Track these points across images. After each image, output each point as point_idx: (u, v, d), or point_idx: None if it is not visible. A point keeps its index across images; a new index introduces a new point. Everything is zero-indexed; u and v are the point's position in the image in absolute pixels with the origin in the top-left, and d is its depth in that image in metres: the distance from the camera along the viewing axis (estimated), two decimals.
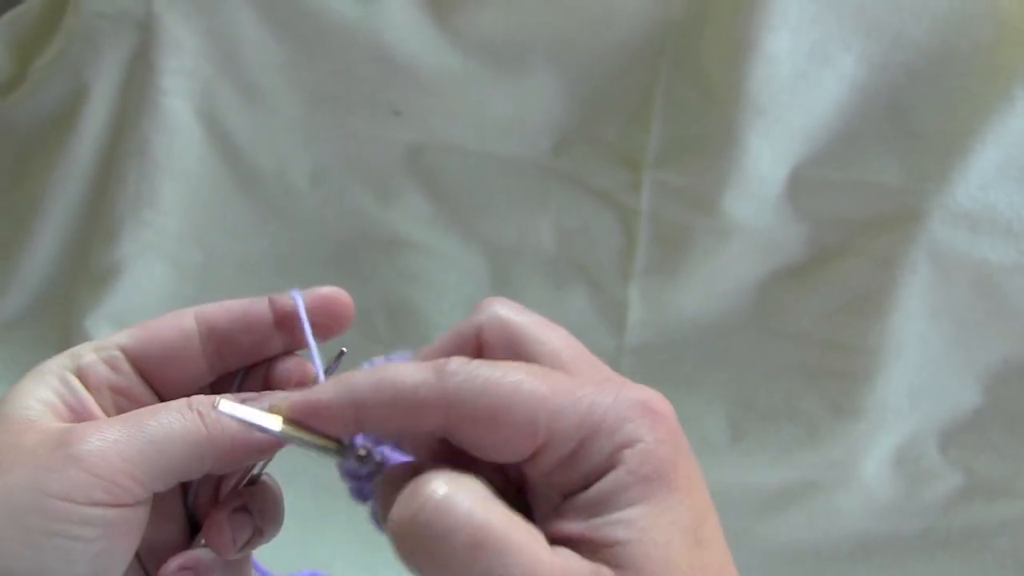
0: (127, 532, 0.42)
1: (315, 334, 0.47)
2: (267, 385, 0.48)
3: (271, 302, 0.47)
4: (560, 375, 0.39)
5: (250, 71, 1.09)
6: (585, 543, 0.36)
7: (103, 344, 0.46)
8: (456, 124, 1.07)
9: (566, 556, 0.36)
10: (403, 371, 0.38)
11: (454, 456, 0.40)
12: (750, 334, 1.02)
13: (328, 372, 0.47)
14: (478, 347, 0.42)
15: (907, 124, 0.95)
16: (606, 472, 0.37)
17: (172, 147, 1.09)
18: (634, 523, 0.36)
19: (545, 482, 0.39)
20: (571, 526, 0.37)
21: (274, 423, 0.41)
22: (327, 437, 0.41)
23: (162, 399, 0.46)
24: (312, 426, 0.41)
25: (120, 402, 0.46)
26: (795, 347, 1.00)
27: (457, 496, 0.36)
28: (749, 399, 1.01)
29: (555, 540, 0.37)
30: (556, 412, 0.37)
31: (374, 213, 1.10)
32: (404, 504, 0.37)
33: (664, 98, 1.02)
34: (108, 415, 0.45)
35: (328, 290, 0.48)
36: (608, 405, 0.38)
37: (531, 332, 0.41)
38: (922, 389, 0.98)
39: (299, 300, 0.47)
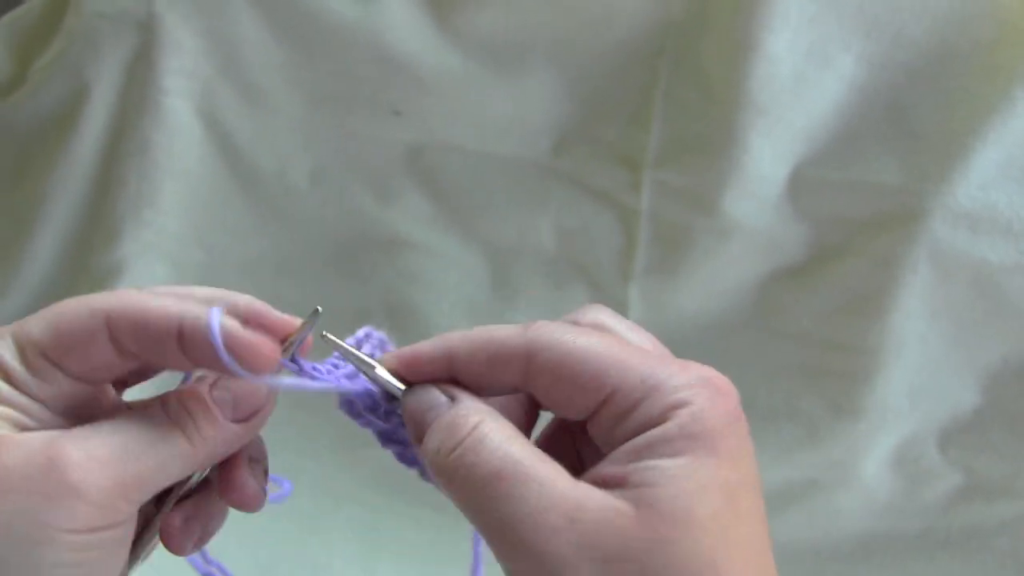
0: (123, 544, 0.43)
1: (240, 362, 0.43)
2: None
3: (179, 329, 0.42)
4: (634, 347, 0.43)
5: (250, 71, 1.09)
6: (618, 482, 0.39)
7: (23, 351, 0.43)
8: (456, 124, 1.07)
9: (587, 490, 0.39)
10: (494, 327, 0.43)
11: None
12: (750, 334, 1.02)
13: (304, 329, 0.46)
14: None
15: (907, 124, 0.95)
16: (656, 425, 0.39)
17: (173, 147, 1.10)
18: (667, 471, 0.38)
19: (604, 438, 0.41)
20: (610, 468, 0.40)
21: (373, 368, 0.46)
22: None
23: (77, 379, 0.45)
24: (410, 374, 0.45)
25: (63, 399, 0.44)
26: (795, 347, 1.00)
27: (488, 428, 0.40)
28: (749, 399, 1.00)
29: (595, 483, 0.39)
30: (623, 369, 0.40)
31: (374, 213, 1.10)
32: (441, 433, 0.41)
33: (664, 98, 1.02)
34: (58, 412, 0.44)
35: (255, 338, 0.43)
36: (672, 372, 0.41)
37: (620, 325, 0.45)
38: (922, 389, 0.98)
39: (215, 327, 0.42)
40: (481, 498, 0.39)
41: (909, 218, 0.94)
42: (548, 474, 0.39)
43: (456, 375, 0.44)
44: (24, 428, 0.42)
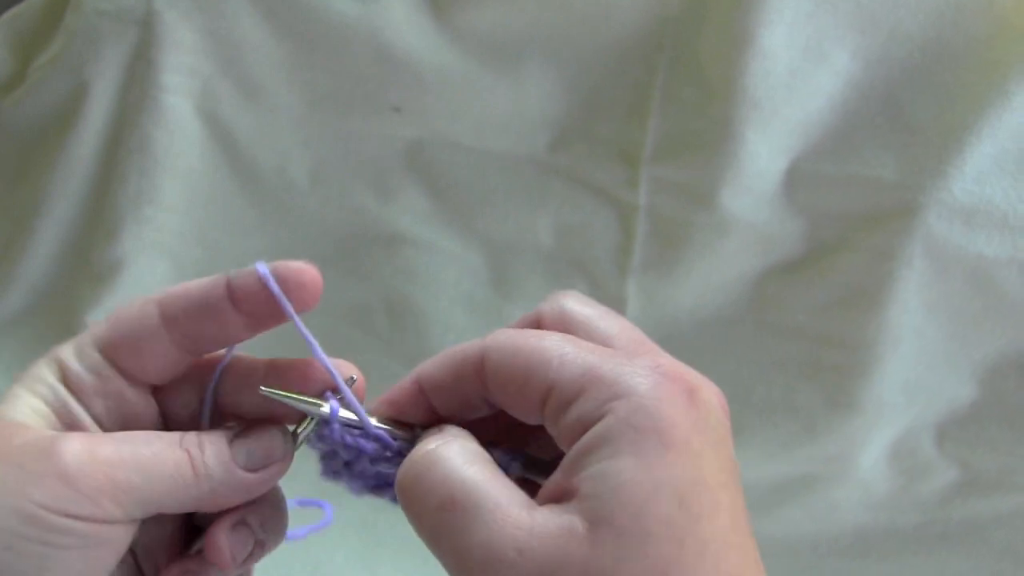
0: (104, 547, 0.42)
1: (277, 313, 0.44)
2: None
3: (228, 284, 0.44)
4: (592, 345, 0.41)
5: (250, 69, 1.09)
6: (569, 494, 0.37)
7: (82, 348, 0.45)
8: (455, 121, 1.07)
9: (543, 514, 0.37)
10: (460, 345, 0.44)
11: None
12: (747, 328, 1.02)
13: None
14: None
15: (903, 119, 0.95)
16: (597, 420, 0.38)
17: (173, 144, 1.10)
18: (612, 476, 0.36)
19: (556, 436, 0.40)
20: (561, 478, 0.38)
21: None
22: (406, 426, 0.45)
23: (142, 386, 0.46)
24: (398, 415, 0.45)
25: (111, 407, 0.45)
26: (792, 341, 1.01)
27: (440, 453, 0.40)
28: (746, 393, 1.01)
29: (551, 497, 0.38)
30: (563, 363, 0.39)
31: (374, 210, 1.10)
32: (404, 465, 0.41)
33: (661, 94, 1.02)
34: (101, 423, 0.45)
35: (296, 265, 0.45)
36: (617, 363, 0.39)
37: (585, 317, 0.44)
38: (918, 383, 0.99)
39: (266, 273, 0.44)
40: (433, 527, 0.38)
41: (905, 212, 0.95)
42: (501, 500, 0.38)
43: (432, 402, 0.45)
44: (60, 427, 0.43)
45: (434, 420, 0.45)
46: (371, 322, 1.10)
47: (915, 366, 0.98)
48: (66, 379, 0.44)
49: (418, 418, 0.45)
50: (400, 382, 0.45)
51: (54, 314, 1.11)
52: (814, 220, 0.99)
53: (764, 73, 0.96)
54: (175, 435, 0.44)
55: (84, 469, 0.40)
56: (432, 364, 0.44)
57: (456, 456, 0.40)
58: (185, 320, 0.44)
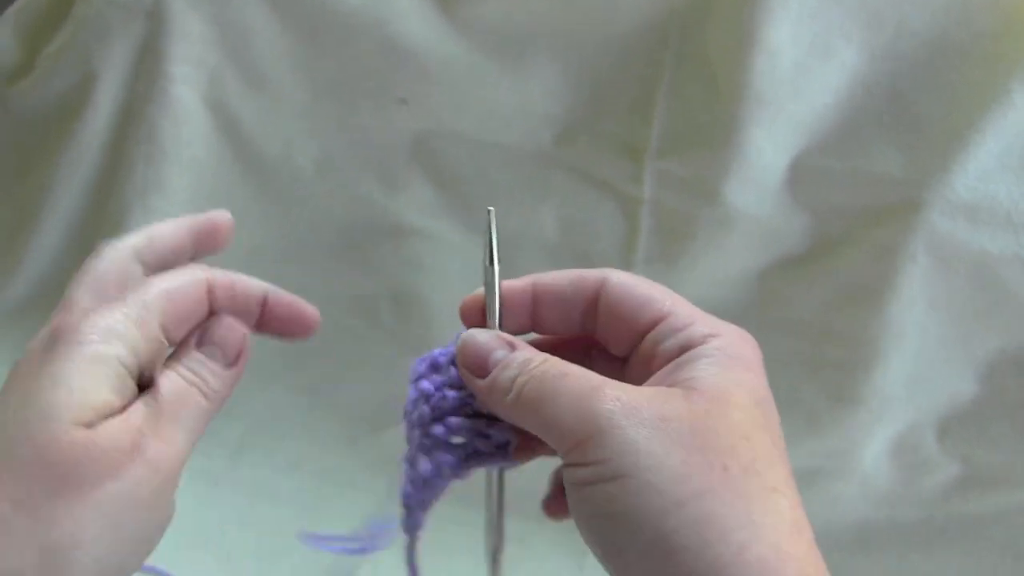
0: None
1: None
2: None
3: (266, 299, 0.54)
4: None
5: (257, 59, 1.10)
6: (667, 381, 0.45)
7: (145, 320, 0.48)
8: (461, 113, 1.07)
9: (647, 387, 0.44)
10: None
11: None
12: (750, 323, 1.01)
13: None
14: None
15: (907, 115, 0.95)
16: (699, 345, 0.45)
17: (179, 134, 1.10)
18: (709, 371, 0.44)
19: (645, 364, 0.47)
20: (656, 379, 0.46)
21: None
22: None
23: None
24: (505, 309, 0.50)
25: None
26: (795, 337, 1.01)
27: (553, 359, 0.46)
28: None
29: None
30: (676, 303, 0.48)
31: (379, 201, 1.10)
32: (516, 366, 0.47)
33: (667, 89, 1.02)
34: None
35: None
36: (709, 317, 0.48)
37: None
38: (921, 379, 0.99)
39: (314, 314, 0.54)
40: (549, 390, 0.44)
41: (909, 208, 0.95)
42: (604, 377, 0.44)
43: (537, 302, 0.50)
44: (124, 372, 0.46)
45: (527, 327, 0.51)
46: (376, 312, 1.11)
47: (918, 362, 0.98)
48: (131, 362, 0.46)
49: (519, 321, 0.51)
50: (513, 282, 0.50)
51: (60, 303, 1.11)
52: (818, 215, 0.99)
53: (770, 69, 0.96)
54: (177, 380, 0.48)
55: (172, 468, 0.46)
56: (552, 275, 0.50)
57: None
58: (226, 304, 0.52)
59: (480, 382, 0.47)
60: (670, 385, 0.44)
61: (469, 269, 1.09)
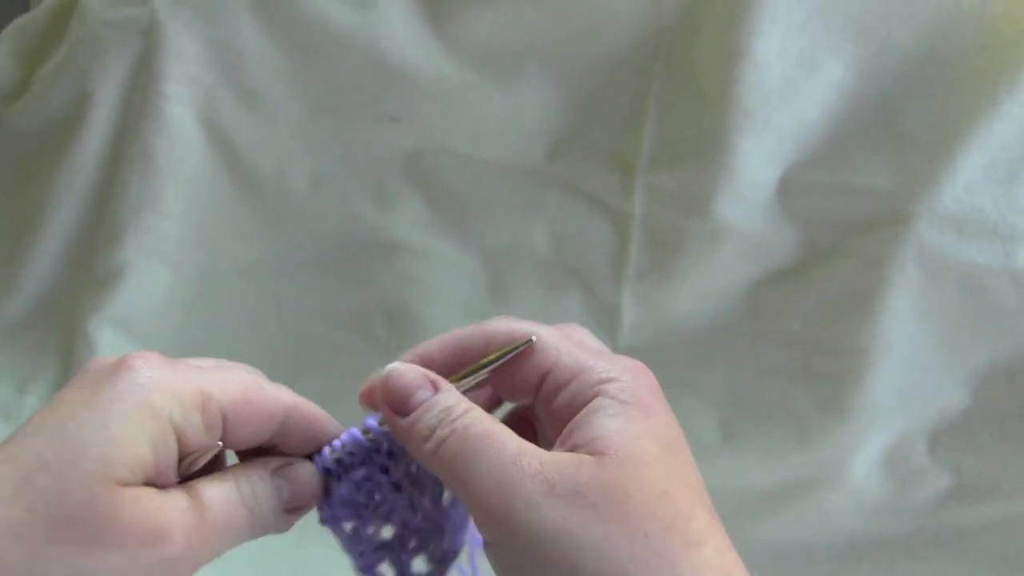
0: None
1: None
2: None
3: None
4: (579, 344, 0.49)
5: (251, 78, 1.10)
6: (571, 450, 0.43)
7: (208, 406, 0.44)
8: (453, 130, 1.08)
9: (553, 451, 0.44)
10: (461, 328, 0.51)
11: None
12: (741, 336, 1.03)
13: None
14: None
15: (895, 128, 0.96)
16: (591, 399, 0.45)
17: (174, 152, 1.11)
18: (610, 429, 0.43)
19: (546, 415, 0.47)
20: (564, 434, 0.45)
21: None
22: None
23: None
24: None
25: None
26: (785, 348, 1.01)
27: (476, 411, 0.45)
28: (740, 400, 1.02)
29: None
30: (560, 352, 0.47)
31: (372, 217, 1.11)
32: (436, 413, 0.46)
33: (657, 104, 1.03)
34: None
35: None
36: (599, 359, 0.47)
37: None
38: (911, 390, 0.99)
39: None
40: (469, 451, 0.43)
41: (897, 221, 0.95)
42: (522, 440, 0.44)
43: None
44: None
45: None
46: (369, 328, 1.11)
47: (907, 373, 0.99)
48: (179, 431, 0.44)
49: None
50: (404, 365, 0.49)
51: (56, 320, 1.12)
52: (807, 228, 1.00)
53: (758, 83, 0.97)
54: (236, 488, 0.46)
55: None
56: (436, 340, 0.50)
57: (483, 414, 0.45)
58: (293, 438, 0.48)
59: (401, 421, 0.46)
60: (577, 446, 0.43)
61: (462, 284, 1.09)
